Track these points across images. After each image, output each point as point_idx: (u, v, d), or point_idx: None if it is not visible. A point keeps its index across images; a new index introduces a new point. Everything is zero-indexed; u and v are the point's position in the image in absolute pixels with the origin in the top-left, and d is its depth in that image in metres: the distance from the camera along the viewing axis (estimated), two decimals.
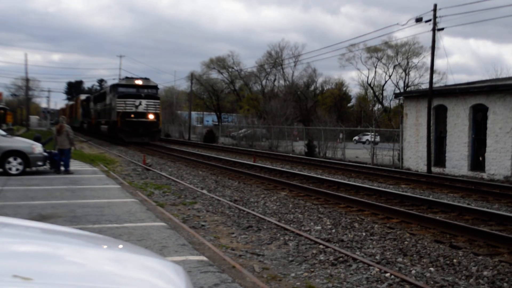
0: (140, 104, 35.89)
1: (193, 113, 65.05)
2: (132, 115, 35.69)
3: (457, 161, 22.04)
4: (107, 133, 40.55)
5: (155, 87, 38.67)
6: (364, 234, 8.96)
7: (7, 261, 2.10)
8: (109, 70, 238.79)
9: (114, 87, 38.33)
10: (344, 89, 78.43)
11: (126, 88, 37.03)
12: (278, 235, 8.71)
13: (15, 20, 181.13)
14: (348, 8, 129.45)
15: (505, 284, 6.35)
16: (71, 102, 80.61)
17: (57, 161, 17.23)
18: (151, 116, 36.32)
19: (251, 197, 13.16)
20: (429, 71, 24.54)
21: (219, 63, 71.79)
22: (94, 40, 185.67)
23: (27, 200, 11.14)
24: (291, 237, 8.52)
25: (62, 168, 17.10)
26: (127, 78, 38.91)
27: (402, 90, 62.20)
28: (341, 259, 7.15)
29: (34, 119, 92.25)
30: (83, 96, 64.29)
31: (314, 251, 7.59)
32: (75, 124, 65.11)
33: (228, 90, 75.91)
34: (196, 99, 72.29)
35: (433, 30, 22.43)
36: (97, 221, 8.96)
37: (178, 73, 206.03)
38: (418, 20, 23.10)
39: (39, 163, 16.71)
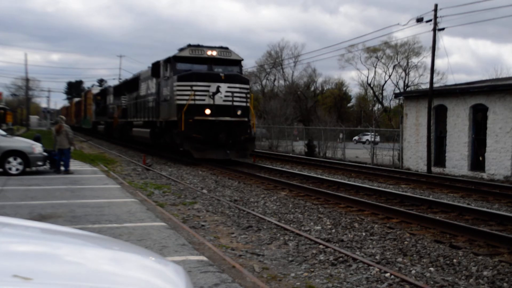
0: (218, 91, 21.34)
1: None
2: (207, 111, 21.38)
3: (457, 161, 22.04)
4: (149, 141, 26.64)
5: (239, 63, 23.84)
6: (364, 234, 8.96)
7: (7, 261, 2.10)
8: (109, 70, 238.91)
9: (168, 62, 23.20)
10: (344, 89, 78.56)
11: (191, 64, 22.45)
12: (278, 235, 8.71)
13: (13, 20, 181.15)
14: (347, 8, 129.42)
15: (505, 284, 6.35)
16: (77, 99, 69.35)
17: (57, 161, 17.23)
18: (238, 112, 21.91)
19: (251, 197, 13.16)
20: (429, 71, 24.56)
21: None
22: (93, 40, 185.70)
23: (27, 200, 11.14)
24: (291, 237, 8.52)
25: (62, 168, 17.10)
26: (190, 46, 22.68)
27: (402, 90, 62.24)
28: (341, 259, 7.15)
29: (34, 119, 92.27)
30: (96, 90, 51.93)
31: (314, 251, 7.59)
32: (84, 126, 55.09)
33: None
34: None
35: (434, 30, 22.43)
36: (97, 221, 8.97)
37: None
38: (419, 20, 23.12)
39: (39, 163, 16.72)
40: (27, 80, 75.86)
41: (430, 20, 22.56)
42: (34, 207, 10.30)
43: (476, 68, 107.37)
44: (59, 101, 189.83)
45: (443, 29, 22.56)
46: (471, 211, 11.02)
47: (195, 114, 21.21)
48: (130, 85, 32.14)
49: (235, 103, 21.74)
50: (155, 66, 24.68)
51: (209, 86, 21.44)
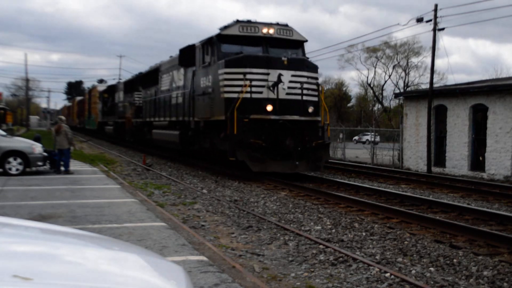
0: (280, 80, 16.10)
1: None
2: (269, 107, 16.15)
3: (457, 161, 22.04)
4: (179, 147, 21.54)
5: (302, 44, 18.23)
6: (364, 234, 8.96)
7: (7, 261, 2.10)
8: (108, 70, 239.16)
9: (209, 44, 17.94)
10: (344, 89, 78.57)
11: (241, 46, 17.37)
12: (278, 235, 8.71)
13: (13, 20, 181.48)
14: (347, 8, 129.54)
15: (505, 284, 6.35)
16: (80, 97, 66.02)
17: (57, 161, 17.23)
18: (310, 110, 16.80)
19: (251, 197, 13.16)
20: (429, 71, 24.56)
21: None
22: (93, 40, 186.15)
23: (27, 200, 11.14)
24: (291, 237, 8.52)
25: (62, 168, 17.10)
26: (239, 22, 17.37)
27: (401, 90, 62.24)
28: (341, 259, 7.14)
29: (34, 119, 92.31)
30: (102, 87, 47.39)
31: (314, 251, 7.59)
32: (89, 126, 51.55)
33: None
34: None
35: (434, 30, 22.43)
36: (97, 221, 8.96)
37: None
38: (419, 20, 23.12)
39: (39, 163, 16.72)
40: (27, 80, 75.91)
41: (430, 20, 22.56)
42: (34, 207, 10.30)
43: (476, 68, 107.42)
44: (59, 101, 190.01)
45: (443, 29, 22.58)
46: (471, 211, 11.01)
47: (251, 111, 15.98)
48: (147, 79, 27.58)
49: (304, 97, 16.55)
50: (187, 52, 19.68)
51: (268, 74, 16.22)
